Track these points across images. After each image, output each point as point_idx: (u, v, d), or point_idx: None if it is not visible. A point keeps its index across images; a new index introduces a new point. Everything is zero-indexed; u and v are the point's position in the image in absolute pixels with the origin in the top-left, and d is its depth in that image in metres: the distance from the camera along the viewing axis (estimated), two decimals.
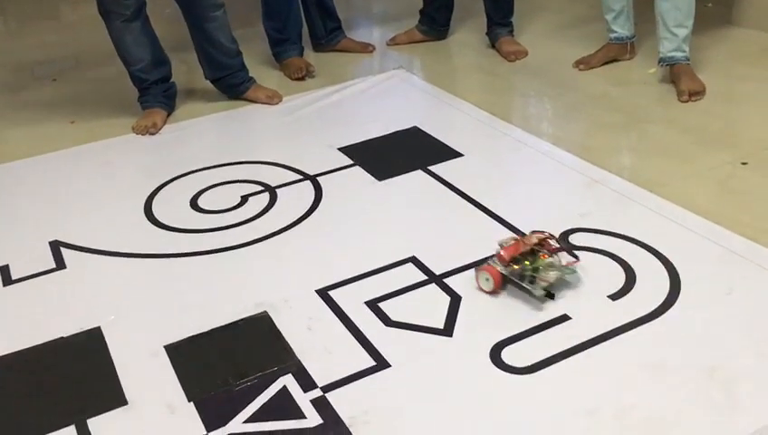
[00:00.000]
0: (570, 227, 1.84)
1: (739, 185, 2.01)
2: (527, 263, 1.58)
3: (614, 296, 1.60)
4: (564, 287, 1.61)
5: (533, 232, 1.67)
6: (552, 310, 1.57)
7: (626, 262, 1.70)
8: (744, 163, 2.10)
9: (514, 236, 1.69)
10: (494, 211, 1.94)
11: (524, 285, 1.58)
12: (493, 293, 1.61)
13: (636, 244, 1.76)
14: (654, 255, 1.72)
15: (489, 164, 2.21)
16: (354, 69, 2.98)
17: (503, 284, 1.61)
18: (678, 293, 1.59)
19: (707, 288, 1.61)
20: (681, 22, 2.48)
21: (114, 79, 2.85)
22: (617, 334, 1.49)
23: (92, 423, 1.36)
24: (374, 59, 3.08)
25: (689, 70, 2.55)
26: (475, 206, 1.98)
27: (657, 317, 1.53)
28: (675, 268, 1.67)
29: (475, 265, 1.71)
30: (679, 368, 1.40)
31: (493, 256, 1.63)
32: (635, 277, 1.65)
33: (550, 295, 1.57)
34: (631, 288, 1.62)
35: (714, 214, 1.85)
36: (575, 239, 1.80)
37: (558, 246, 1.67)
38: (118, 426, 1.36)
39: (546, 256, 1.61)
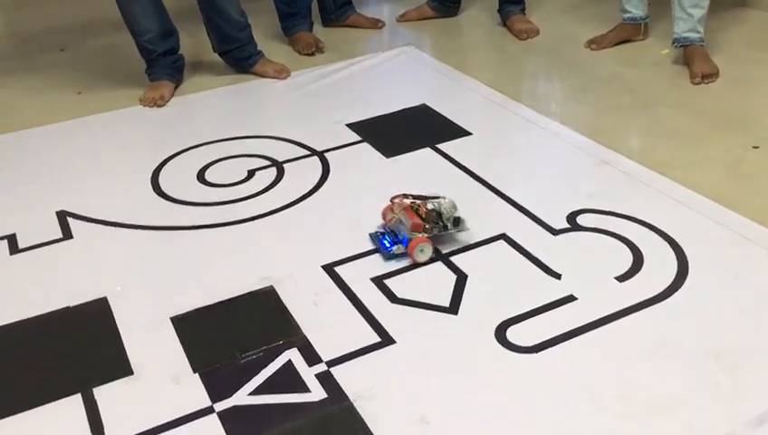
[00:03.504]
0: (577, 208, 1.83)
1: (750, 169, 1.99)
2: (440, 214, 1.68)
3: (621, 278, 1.59)
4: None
5: (392, 199, 1.74)
6: (557, 290, 1.56)
7: (634, 244, 1.69)
8: (755, 147, 2.08)
9: (390, 207, 1.74)
10: (501, 190, 1.93)
11: (453, 230, 1.69)
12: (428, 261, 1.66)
13: (644, 226, 1.75)
14: (662, 237, 1.71)
15: (497, 143, 2.20)
16: (363, 45, 2.95)
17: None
18: (686, 276, 1.59)
19: (715, 272, 1.60)
20: (697, 2, 2.45)
21: (121, 50, 2.83)
22: (623, 316, 1.48)
23: (98, 392, 1.37)
24: (384, 35, 3.05)
25: (703, 52, 2.52)
26: (483, 185, 1.97)
27: (664, 300, 1.52)
28: (683, 251, 1.66)
29: (483, 244, 1.72)
30: (685, 351, 1.40)
31: (400, 232, 1.68)
32: (642, 259, 1.64)
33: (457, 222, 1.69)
34: (638, 270, 1.61)
35: (723, 197, 1.84)
36: (582, 220, 1.79)
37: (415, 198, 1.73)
38: (123, 395, 1.37)
39: (427, 205, 1.70)
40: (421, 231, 1.66)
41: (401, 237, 1.67)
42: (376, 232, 1.73)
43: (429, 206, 1.69)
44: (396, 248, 1.66)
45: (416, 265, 1.65)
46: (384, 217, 1.74)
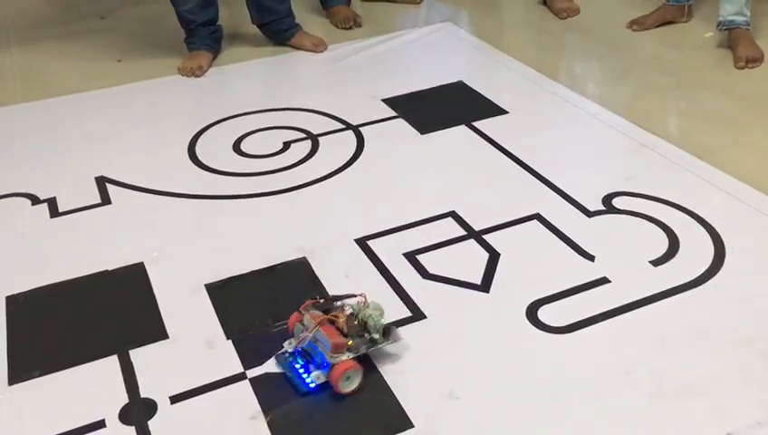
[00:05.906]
0: (613, 191, 1.81)
1: None
2: (365, 324, 1.32)
3: (656, 262, 1.58)
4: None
5: (301, 307, 1.38)
6: (591, 272, 1.55)
7: (670, 228, 1.68)
8: None
9: (298, 317, 1.38)
10: (536, 170, 1.91)
11: (383, 344, 1.33)
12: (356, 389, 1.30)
13: (681, 211, 1.73)
14: (699, 223, 1.69)
15: (534, 123, 2.18)
16: (401, 20, 2.94)
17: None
18: (722, 262, 1.57)
19: (752, 259, 1.58)
20: None
21: (161, 19, 2.85)
22: (657, 300, 1.47)
23: (134, 354, 1.40)
24: (421, 11, 3.03)
25: (748, 36, 2.46)
26: (518, 164, 1.95)
27: (699, 285, 1.51)
28: (720, 237, 1.64)
29: (516, 223, 1.71)
30: (719, 337, 1.38)
31: (316, 353, 1.31)
32: (678, 244, 1.63)
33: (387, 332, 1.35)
34: (674, 255, 1.60)
35: (764, 184, 1.80)
36: (619, 203, 1.78)
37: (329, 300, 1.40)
38: (158, 358, 1.40)
39: (347, 313, 1.35)
40: (344, 351, 1.28)
41: (319, 360, 1.29)
42: (284, 352, 1.34)
43: (348, 313, 1.34)
44: (315, 376, 1.29)
45: (451, 242, 1.65)
46: (291, 331, 1.38)
